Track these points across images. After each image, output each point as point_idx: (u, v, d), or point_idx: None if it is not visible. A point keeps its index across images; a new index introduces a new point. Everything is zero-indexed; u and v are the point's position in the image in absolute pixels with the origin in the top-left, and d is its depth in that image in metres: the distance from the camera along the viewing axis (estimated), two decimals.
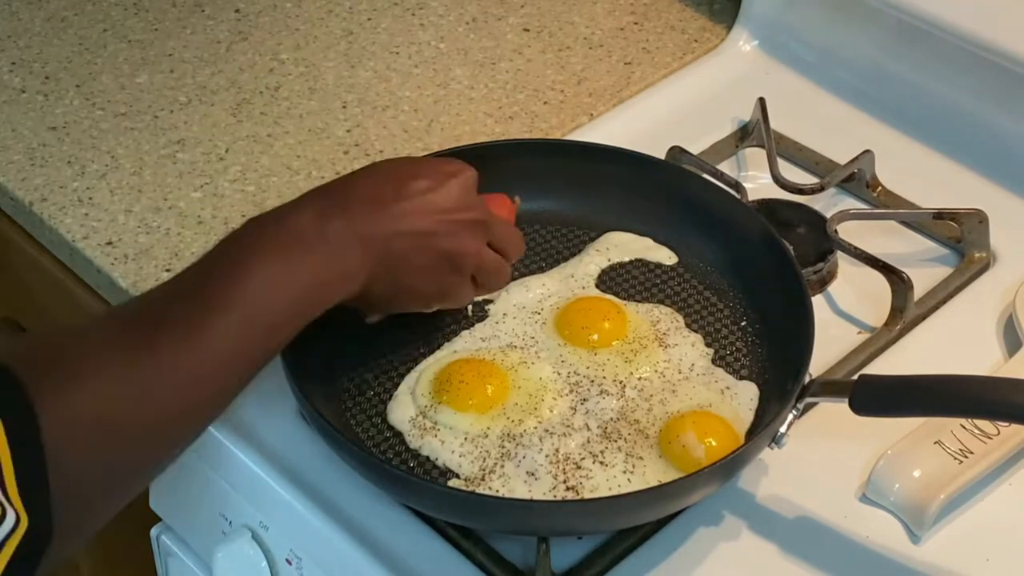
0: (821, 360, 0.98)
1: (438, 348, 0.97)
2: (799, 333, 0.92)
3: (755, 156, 1.18)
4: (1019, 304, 1.02)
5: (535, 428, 0.91)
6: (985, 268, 1.09)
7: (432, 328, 0.98)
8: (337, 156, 1.18)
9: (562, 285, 1.02)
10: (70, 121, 1.22)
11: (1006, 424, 0.92)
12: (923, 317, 1.04)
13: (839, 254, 1.07)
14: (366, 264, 0.84)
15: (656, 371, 0.95)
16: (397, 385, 0.95)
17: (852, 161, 1.13)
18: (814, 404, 0.94)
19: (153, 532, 1.06)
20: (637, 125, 1.21)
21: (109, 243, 1.10)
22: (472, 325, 0.99)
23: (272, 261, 0.80)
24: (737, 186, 1.09)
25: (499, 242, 0.92)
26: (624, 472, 0.88)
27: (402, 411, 0.93)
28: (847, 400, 0.86)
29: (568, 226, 1.07)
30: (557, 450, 0.90)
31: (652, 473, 0.88)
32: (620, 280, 1.03)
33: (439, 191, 0.87)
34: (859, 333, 1.03)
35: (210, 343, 0.76)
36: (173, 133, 1.20)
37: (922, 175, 1.17)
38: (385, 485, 0.89)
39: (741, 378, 0.96)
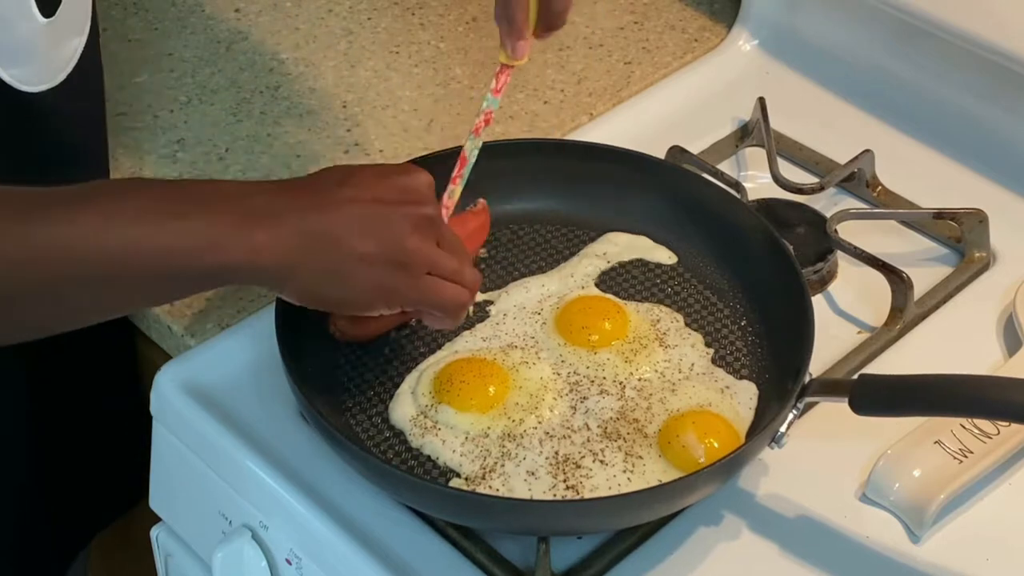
0: (821, 360, 0.98)
1: (439, 348, 0.97)
2: (799, 333, 0.92)
3: (755, 156, 1.18)
4: (1019, 304, 1.02)
5: (535, 428, 0.91)
6: (985, 268, 1.09)
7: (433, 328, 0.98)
8: (337, 156, 1.18)
9: (562, 285, 1.02)
10: None
11: (1006, 424, 0.92)
12: (923, 317, 1.04)
13: (839, 254, 1.07)
14: (285, 241, 0.80)
15: (656, 371, 0.95)
16: (398, 385, 0.95)
17: (852, 161, 1.13)
18: (814, 404, 0.94)
19: (153, 532, 1.06)
20: (637, 125, 1.21)
21: None
22: (473, 325, 0.99)
23: (158, 207, 0.77)
24: (737, 186, 1.09)
25: (446, 245, 0.87)
26: (624, 471, 0.88)
27: (403, 411, 0.93)
28: (847, 400, 0.86)
29: (568, 226, 1.07)
30: (557, 450, 0.90)
31: (652, 472, 0.88)
32: (620, 280, 1.03)
33: (383, 183, 0.84)
34: (859, 333, 1.04)
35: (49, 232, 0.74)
36: (173, 133, 1.20)
37: (922, 175, 1.17)
38: (385, 485, 0.89)
39: (741, 378, 0.96)
